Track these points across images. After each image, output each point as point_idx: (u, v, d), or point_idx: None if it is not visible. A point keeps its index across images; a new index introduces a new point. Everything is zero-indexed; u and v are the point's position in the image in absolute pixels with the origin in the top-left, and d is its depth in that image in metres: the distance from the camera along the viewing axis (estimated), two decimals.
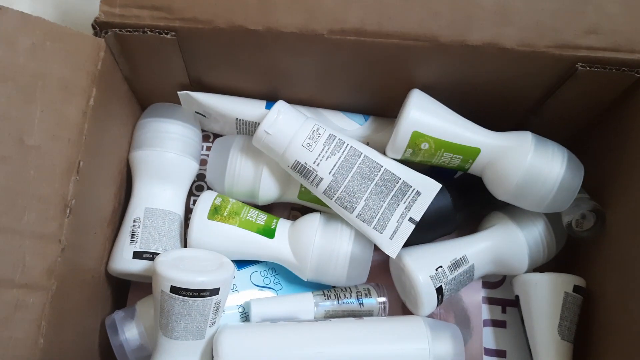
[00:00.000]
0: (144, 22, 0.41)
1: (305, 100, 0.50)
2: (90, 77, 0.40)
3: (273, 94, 0.49)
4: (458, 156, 0.44)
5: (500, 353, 0.50)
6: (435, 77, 0.44)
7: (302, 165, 0.44)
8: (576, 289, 0.46)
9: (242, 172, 0.48)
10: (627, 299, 0.42)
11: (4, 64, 0.35)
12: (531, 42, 0.40)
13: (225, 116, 0.49)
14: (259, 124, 0.49)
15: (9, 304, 0.34)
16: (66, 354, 0.40)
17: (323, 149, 0.43)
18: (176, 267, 0.40)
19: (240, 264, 0.48)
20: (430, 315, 0.47)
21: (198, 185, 0.53)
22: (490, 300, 0.51)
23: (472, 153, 0.44)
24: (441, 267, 0.45)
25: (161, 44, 0.42)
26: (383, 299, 0.47)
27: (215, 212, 0.46)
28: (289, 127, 0.44)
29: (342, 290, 0.47)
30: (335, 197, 0.44)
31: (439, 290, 0.45)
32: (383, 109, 0.50)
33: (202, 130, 0.53)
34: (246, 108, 0.49)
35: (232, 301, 0.47)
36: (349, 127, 0.49)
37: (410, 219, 0.44)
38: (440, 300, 0.45)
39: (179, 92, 0.48)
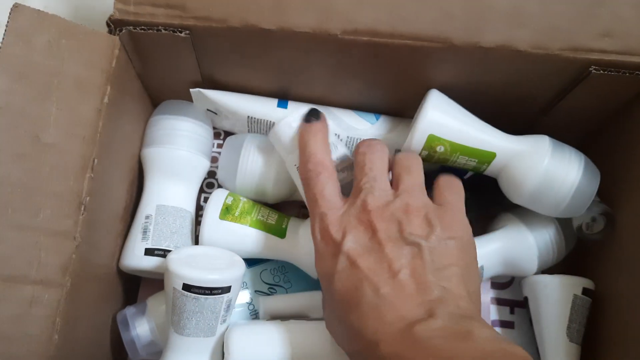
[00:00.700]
0: (158, 21, 0.41)
1: (317, 99, 0.50)
2: (104, 74, 0.40)
3: (285, 92, 0.49)
4: (473, 159, 0.44)
5: None
6: (447, 78, 0.44)
7: None
8: (585, 291, 0.46)
9: (253, 170, 0.48)
10: (636, 301, 0.42)
11: (21, 61, 0.35)
12: (545, 44, 0.40)
13: (237, 114, 0.49)
14: (270, 122, 0.49)
15: (25, 300, 0.35)
16: (79, 349, 0.41)
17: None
18: (188, 265, 0.41)
19: (251, 262, 0.49)
20: None
21: (209, 183, 0.54)
22: (498, 301, 0.51)
23: (488, 157, 0.44)
24: None
25: (175, 42, 0.42)
26: None
27: (226, 212, 0.47)
28: None
29: None
30: None
31: None
32: (395, 109, 0.50)
33: (213, 128, 0.53)
34: (258, 106, 0.49)
35: (242, 299, 0.47)
36: (360, 126, 0.50)
37: None
38: None
39: (191, 90, 0.48)
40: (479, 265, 0.46)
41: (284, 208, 0.53)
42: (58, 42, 0.37)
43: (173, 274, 0.40)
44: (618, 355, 0.43)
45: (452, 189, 0.40)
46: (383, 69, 0.44)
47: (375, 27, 0.40)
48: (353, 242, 0.36)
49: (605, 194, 0.47)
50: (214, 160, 0.53)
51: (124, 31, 0.41)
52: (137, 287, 0.52)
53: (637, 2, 0.40)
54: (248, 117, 0.49)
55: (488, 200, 0.49)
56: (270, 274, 0.49)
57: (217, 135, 0.55)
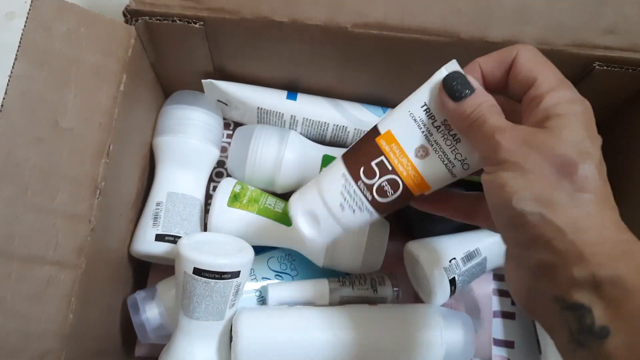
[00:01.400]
0: (173, 11, 0.42)
1: (326, 91, 0.51)
2: (120, 63, 0.41)
3: (294, 84, 0.50)
4: None
5: (508, 344, 0.51)
6: None
7: None
8: None
9: (262, 160, 0.49)
10: None
11: (41, 49, 0.37)
12: (550, 40, 0.41)
13: (247, 105, 0.50)
14: (280, 113, 0.50)
15: (42, 280, 0.36)
16: (91, 330, 0.42)
17: None
18: (199, 250, 0.42)
19: (258, 249, 0.50)
20: (442, 305, 0.48)
21: (218, 172, 0.55)
22: (500, 292, 0.52)
23: None
24: (455, 259, 0.47)
25: (189, 33, 0.43)
26: (396, 288, 0.49)
27: (234, 200, 0.48)
28: None
29: (357, 277, 0.49)
30: None
31: (452, 282, 0.46)
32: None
33: (223, 119, 0.54)
34: (268, 97, 0.50)
35: (249, 285, 0.48)
36: (367, 118, 0.51)
37: None
38: (452, 292, 0.47)
39: (203, 80, 0.49)
40: (482, 257, 0.48)
41: None
42: (77, 31, 0.38)
43: (184, 259, 0.41)
44: None
45: None
46: (391, 63, 0.45)
47: (384, 20, 0.41)
48: None
49: None
50: (223, 150, 0.54)
51: (139, 21, 0.42)
52: (147, 273, 0.53)
53: None
54: (258, 108, 0.50)
55: None
56: (278, 261, 0.50)
57: (227, 125, 0.56)
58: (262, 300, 0.48)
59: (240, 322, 0.42)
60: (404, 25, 0.41)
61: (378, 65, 0.46)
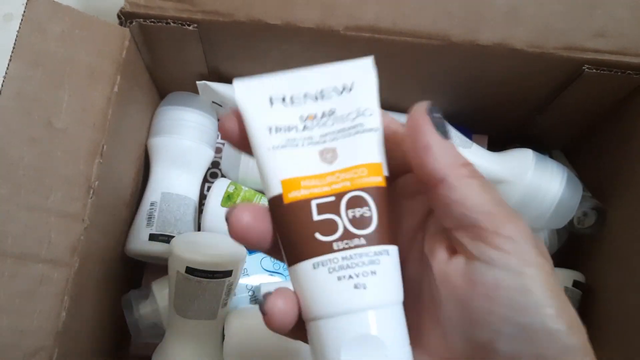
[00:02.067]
0: (167, 14, 0.42)
1: None
2: (115, 65, 0.42)
3: None
4: None
5: None
6: (445, 75, 0.46)
7: None
8: (575, 283, 0.47)
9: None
10: (626, 294, 0.43)
11: (36, 50, 0.37)
12: (540, 43, 0.41)
13: None
14: None
15: (35, 278, 0.36)
16: (85, 328, 0.42)
17: None
18: (192, 249, 0.42)
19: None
20: None
21: (212, 172, 0.55)
22: None
23: None
24: None
25: (183, 35, 0.44)
26: None
27: (228, 200, 0.48)
28: None
29: None
30: None
31: None
32: (394, 105, 0.52)
33: (218, 120, 0.55)
34: None
35: (242, 285, 0.49)
36: None
37: None
38: None
39: (197, 82, 0.50)
40: None
41: None
42: (71, 32, 0.39)
43: (177, 258, 0.41)
44: (608, 346, 0.44)
45: None
46: (383, 65, 0.45)
47: (376, 23, 0.42)
48: None
49: (597, 189, 0.48)
50: (218, 151, 0.54)
51: (134, 23, 0.43)
52: (141, 272, 0.53)
53: (631, 3, 0.41)
54: None
55: None
56: (270, 261, 0.50)
57: None
58: (255, 299, 0.48)
59: (232, 322, 0.43)
60: (396, 28, 0.42)
61: None
